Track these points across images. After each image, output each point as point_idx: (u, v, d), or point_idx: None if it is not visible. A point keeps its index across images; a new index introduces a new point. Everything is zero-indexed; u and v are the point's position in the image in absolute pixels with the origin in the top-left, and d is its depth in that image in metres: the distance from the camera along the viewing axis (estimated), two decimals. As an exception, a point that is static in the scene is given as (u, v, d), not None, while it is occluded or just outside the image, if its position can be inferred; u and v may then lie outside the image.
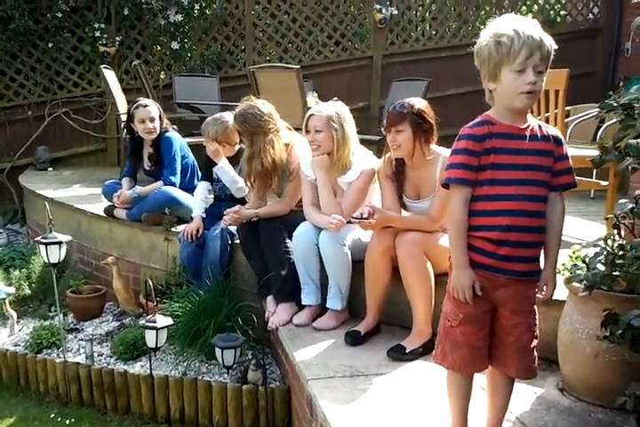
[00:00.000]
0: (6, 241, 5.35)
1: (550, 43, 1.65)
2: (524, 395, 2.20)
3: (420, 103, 2.66)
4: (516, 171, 1.70)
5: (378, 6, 6.85)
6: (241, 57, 6.86)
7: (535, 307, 1.80)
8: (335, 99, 3.19)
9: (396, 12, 6.92)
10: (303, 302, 2.96)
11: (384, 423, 2.06)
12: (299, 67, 4.82)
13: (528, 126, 1.73)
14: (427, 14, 7.33)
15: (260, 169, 3.10)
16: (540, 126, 1.75)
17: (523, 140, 1.71)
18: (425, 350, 2.52)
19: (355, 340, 2.70)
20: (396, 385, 2.33)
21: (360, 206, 2.77)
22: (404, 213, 2.78)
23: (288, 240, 3.04)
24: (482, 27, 6.52)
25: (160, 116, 3.88)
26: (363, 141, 4.10)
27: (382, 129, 2.74)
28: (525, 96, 1.65)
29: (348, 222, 2.73)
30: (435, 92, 6.07)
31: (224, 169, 3.48)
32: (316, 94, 5.10)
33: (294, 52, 6.92)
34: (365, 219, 2.57)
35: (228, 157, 3.55)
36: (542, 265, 1.78)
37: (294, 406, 2.71)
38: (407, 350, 2.55)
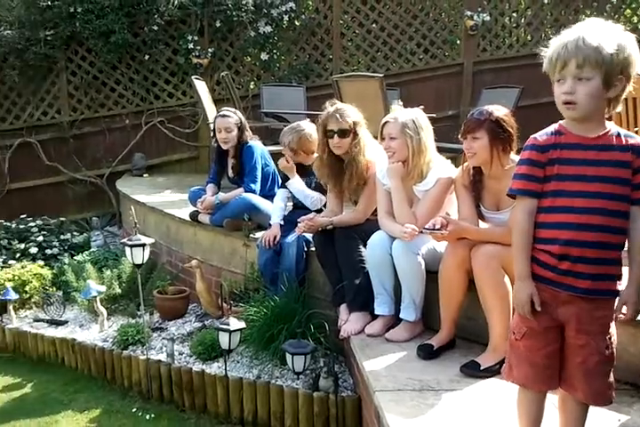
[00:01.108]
0: (102, 242, 5.67)
1: (599, 45, 1.54)
2: (606, 421, 2.08)
3: (499, 111, 2.58)
4: (583, 182, 1.63)
5: (469, 13, 6.75)
6: (328, 66, 6.95)
7: (611, 328, 1.70)
8: (421, 107, 3.16)
9: (488, 18, 6.78)
10: (376, 312, 2.94)
11: (449, 440, 2.02)
12: (382, 75, 4.82)
13: (602, 136, 1.64)
14: (521, 20, 7.13)
15: (359, 168, 3.11)
16: (619, 135, 1.65)
17: (592, 150, 1.63)
18: (501, 368, 2.43)
19: (427, 353, 2.65)
20: (467, 402, 2.26)
21: (435, 216, 2.72)
22: (481, 224, 2.71)
23: (363, 249, 3.03)
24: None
25: (240, 127, 4.00)
26: (450, 150, 4.05)
27: (459, 136, 2.69)
28: (564, 107, 1.61)
29: (421, 233, 2.69)
30: (528, 99, 5.90)
31: (294, 185, 3.58)
32: (401, 102, 5.07)
33: (382, 60, 6.93)
34: (438, 230, 2.52)
35: (304, 166, 3.60)
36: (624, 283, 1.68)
37: (364, 417, 2.69)
38: (482, 367, 2.47)
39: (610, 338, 1.69)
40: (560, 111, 1.66)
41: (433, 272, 2.76)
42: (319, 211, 3.51)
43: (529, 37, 7.06)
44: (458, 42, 6.95)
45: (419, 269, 2.80)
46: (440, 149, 3.05)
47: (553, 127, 1.69)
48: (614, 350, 1.71)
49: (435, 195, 2.87)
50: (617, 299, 1.68)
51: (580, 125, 1.65)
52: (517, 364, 1.76)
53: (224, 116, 4.01)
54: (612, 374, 1.72)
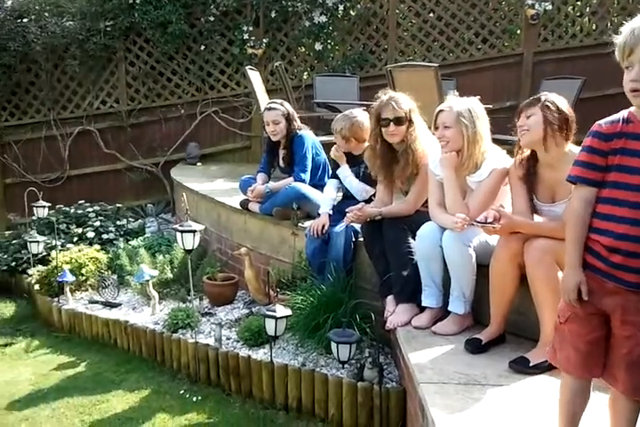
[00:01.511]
0: (157, 228, 5.80)
1: None
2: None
3: (555, 96, 2.51)
4: None
5: (530, 2, 6.54)
6: (382, 56, 6.88)
7: None
8: (478, 97, 3.09)
9: (550, 7, 6.56)
10: (423, 304, 2.91)
11: (494, 436, 1.98)
12: (436, 65, 4.73)
13: None
14: (586, 9, 6.88)
15: (413, 157, 3.07)
16: None
17: None
18: (551, 365, 2.36)
19: (475, 348, 2.60)
20: (514, 398, 2.21)
21: (488, 208, 2.65)
22: (535, 217, 2.63)
23: (411, 241, 3.00)
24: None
25: (287, 118, 4.00)
26: (507, 143, 3.94)
27: (515, 119, 2.62)
28: (632, 95, 1.55)
29: (472, 225, 2.63)
30: (592, 91, 5.70)
31: (342, 173, 3.61)
32: (457, 93, 4.97)
33: (438, 50, 6.81)
34: (490, 223, 2.46)
35: (354, 155, 3.58)
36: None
37: (409, 410, 2.67)
38: (531, 364, 2.41)
39: None
40: (629, 99, 1.59)
41: (484, 266, 2.70)
42: (369, 201, 3.48)
43: (593, 27, 6.79)
44: (518, 31, 6.75)
45: (469, 261, 2.75)
46: (496, 142, 2.98)
47: (622, 114, 1.63)
48: None
49: (489, 186, 2.81)
50: None
51: None
52: (560, 347, 1.75)
53: (270, 109, 4.03)
54: None
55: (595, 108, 2.53)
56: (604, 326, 1.68)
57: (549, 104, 2.46)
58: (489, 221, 2.46)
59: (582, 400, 1.79)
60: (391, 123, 3.09)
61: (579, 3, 6.89)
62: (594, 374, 1.74)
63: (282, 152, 4.17)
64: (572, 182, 1.71)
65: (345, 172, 3.66)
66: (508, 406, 2.15)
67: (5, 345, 4.05)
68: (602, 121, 1.65)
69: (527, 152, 2.60)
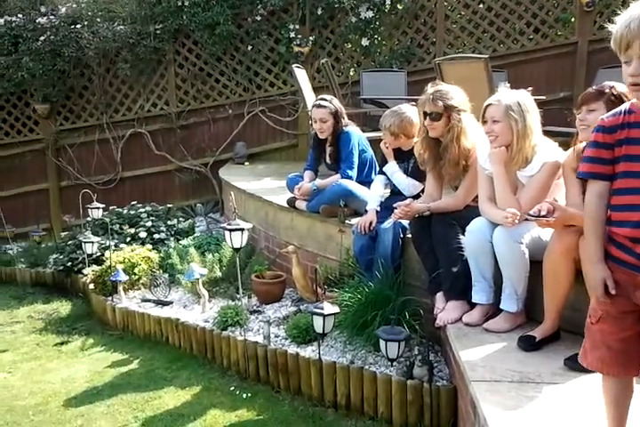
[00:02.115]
0: (206, 228, 5.87)
1: None
2: None
3: (622, 87, 2.39)
4: None
5: (585, -11, 6.31)
6: (431, 50, 6.78)
7: None
8: (530, 89, 2.99)
9: (606, -7, 6.32)
10: (473, 300, 2.84)
11: (550, 436, 1.90)
12: (486, 56, 4.62)
13: None
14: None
15: (467, 146, 3.01)
16: None
17: None
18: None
19: (528, 345, 2.52)
20: (569, 397, 2.12)
21: (540, 202, 2.56)
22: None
23: (461, 236, 2.93)
24: None
25: (336, 116, 3.97)
26: (561, 134, 3.82)
27: (574, 110, 2.52)
28: (632, 89, 1.54)
29: (525, 220, 2.54)
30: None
31: (389, 169, 3.55)
32: (508, 85, 4.85)
33: (488, 41, 6.66)
34: (544, 216, 2.36)
35: (403, 151, 3.53)
36: None
37: (460, 408, 2.61)
38: (588, 361, 2.32)
39: None
40: (630, 93, 1.60)
41: (537, 262, 2.61)
42: (417, 197, 3.42)
43: (652, 12, 6.50)
44: (572, 20, 6.53)
45: (521, 258, 2.67)
46: (549, 133, 2.88)
47: (624, 106, 1.62)
48: None
49: (540, 180, 2.72)
50: None
51: None
52: (592, 348, 1.72)
53: (319, 106, 4.00)
54: None
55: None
56: (638, 323, 1.62)
57: (615, 99, 2.35)
58: (542, 213, 2.37)
59: (625, 398, 1.74)
60: (427, 117, 3.05)
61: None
62: (631, 373, 1.69)
63: (328, 149, 4.15)
64: (582, 179, 1.72)
65: (392, 168, 3.61)
66: (562, 404, 2.07)
67: (62, 343, 4.17)
68: (605, 115, 1.67)
69: (584, 144, 2.50)
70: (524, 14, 6.57)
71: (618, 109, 1.64)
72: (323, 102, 4.02)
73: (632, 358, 1.66)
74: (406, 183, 3.54)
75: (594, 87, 2.46)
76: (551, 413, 2.02)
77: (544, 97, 4.89)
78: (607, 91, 2.38)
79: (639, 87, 1.54)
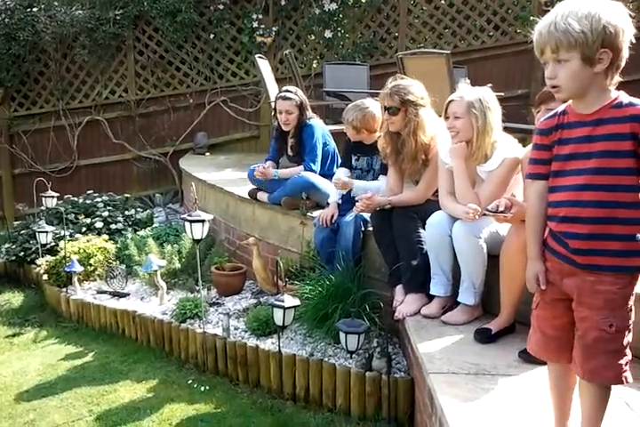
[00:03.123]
0: (165, 218, 5.80)
1: (569, 27, 1.51)
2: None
3: None
4: (579, 160, 1.62)
5: (543, -13, 6.43)
6: (393, 44, 6.81)
7: (624, 307, 1.62)
8: (489, 85, 3.04)
9: (563, -8, 6.44)
10: (432, 292, 2.88)
11: (502, 425, 1.94)
12: (448, 52, 4.67)
13: (598, 110, 1.59)
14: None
15: (424, 140, 3.03)
16: (620, 106, 1.57)
17: (588, 126, 1.61)
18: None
19: (484, 337, 2.57)
20: (523, 388, 2.18)
21: (499, 197, 2.60)
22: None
23: (421, 230, 2.96)
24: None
25: (301, 108, 3.95)
26: (519, 131, 3.88)
27: (532, 109, 2.56)
28: (552, 91, 1.62)
29: (484, 215, 2.59)
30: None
31: (358, 188, 3.46)
32: (468, 81, 4.90)
33: (449, 37, 6.73)
34: (502, 212, 2.41)
35: (366, 146, 3.54)
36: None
37: (417, 399, 2.64)
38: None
39: (619, 317, 1.61)
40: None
41: (494, 256, 2.66)
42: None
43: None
44: (531, 18, 6.64)
45: (479, 252, 2.72)
46: (508, 130, 2.92)
47: (561, 108, 1.69)
48: (625, 330, 1.62)
49: (499, 176, 2.77)
50: (635, 276, 1.62)
51: (578, 103, 1.64)
52: (532, 332, 1.81)
53: (285, 98, 3.97)
54: (621, 356, 1.63)
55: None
56: (570, 311, 1.70)
57: None
58: (500, 209, 2.41)
59: (567, 384, 1.79)
60: (387, 111, 3.08)
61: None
62: (561, 359, 1.75)
63: (291, 141, 4.13)
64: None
65: (359, 187, 3.48)
66: (517, 396, 2.12)
67: (14, 335, 4.06)
68: (544, 117, 1.74)
69: None
70: (484, 11, 6.65)
71: (554, 111, 1.71)
72: (288, 94, 3.99)
73: (563, 345, 1.72)
74: (376, 185, 3.47)
75: None
76: (506, 404, 2.06)
77: (502, 94, 4.97)
78: None
79: (556, 89, 1.60)
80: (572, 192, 1.62)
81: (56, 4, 6.71)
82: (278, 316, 2.92)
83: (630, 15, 1.55)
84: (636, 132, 1.54)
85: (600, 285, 1.62)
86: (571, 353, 1.70)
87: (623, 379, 1.63)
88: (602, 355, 1.62)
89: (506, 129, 2.88)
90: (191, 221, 3.19)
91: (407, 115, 3.04)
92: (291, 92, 4.03)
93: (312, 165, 3.90)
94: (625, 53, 1.57)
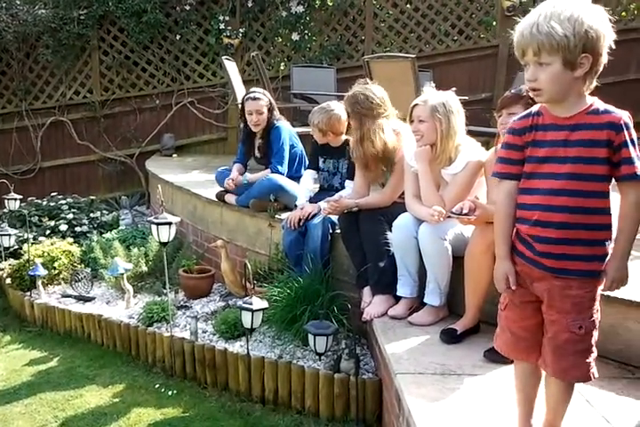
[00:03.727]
0: (131, 221, 5.72)
1: (552, 30, 1.50)
2: (631, 410, 2.03)
3: None
4: (554, 164, 1.62)
5: (506, -7, 6.57)
6: (360, 47, 6.86)
7: (592, 309, 1.66)
8: (454, 89, 3.09)
9: (525, -1, 6.60)
10: (398, 293, 2.92)
11: (469, 425, 1.98)
12: (413, 56, 4.74)
13: (576, 115, 1.60)
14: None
15: (374, 152, 3.07)
16: (597, 112, 1.59)
17: (564, 130, 1.61)
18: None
19: (450, 338, 2.62)
20: (489, 387, 2.22)
21: (463, 199, 2.65)
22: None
23: (388, 232, 3.00)
24: (636, 11, 5.88)
25: (270, 109, 3.97)
26: (482, 134, 3.96)
27: (494, 113, 2.62)
28: (532, 94, 1.62)
29: (448, 217, 2.63)
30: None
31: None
32: (433, 84, 4.97)
33: (415, 41, 6.82)
34: (466, 214, 2.46)
35: (332, 148, 3.58)
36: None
37: (385, 400, 2.67)
38: (505, 353, 2.43)
39: (587, 318, 1.66)
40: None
41: (459, 257, 2.71)
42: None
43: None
44: (494, 23, 6.78)
45: (445, 254, 2.76)
46: (472, 133, 2.98)
47: (534, 108, 1.69)
48: (593, 331, 1.67)
49: (463, 178, 2.82)
50: (600, 279, 1.66)
51: (555, 107, 1.64)
52: (500, 332, 1.83)
53: (255, 98, 3.97)
54: (589, 354, 1.68)
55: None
56: (539, 313, 1.73)
57: (532, 102, 2.44)
58: (464, 211, 2.46)
59: (533, 382, 1.83)
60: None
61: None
62: (530, 359, 1.78)
63: (258, 141, 4.12)
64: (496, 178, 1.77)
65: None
66: (483, 395, 2.16)
67: (-24, 340, 3.97)
68: (516, 117, 1.72)
69: None
70: (449, 16, 6.76)
71: (528, 111, 1.70)
72: (258, 95, 4.00)
73: (533, 345, 1.75)
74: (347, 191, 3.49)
75: (512, 91, 2.55)
76: (472, 404, 2.11)
77: (467, 97, 5.06)
78: (524, 94, 2.49)
79: (536, 92, 1.59)
80: (546, 196, 1.62)
81: (18, 2, 6.58)
82: (247, 318, 2.92)
83: (610, 20, 1.55)
84: (612, 140, 1.56)
85: (569, 289, 1.65)
86: (539, 352, 1.74)
87: (591, 375, 1.69)
88: (572, 355, 1.67)
89: (469, 132, 2.93)
90: (158, 224, 3.17)
91: (356, 124, 3.11)
92: (259, 92, 4.03)
93: (279, 167, 3.92)
94: (604, 59, 1.57)
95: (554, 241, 1.63)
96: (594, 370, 1.69)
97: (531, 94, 1.64)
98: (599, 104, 1.61)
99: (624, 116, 1.59)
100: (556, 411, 1.78)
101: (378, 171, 3.16)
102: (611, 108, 1.61)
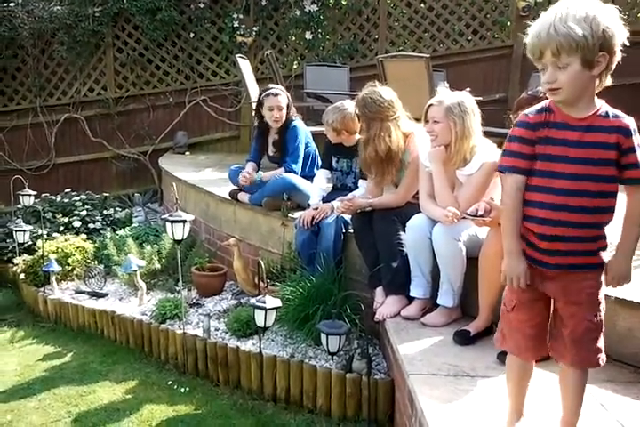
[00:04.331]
0: (144, 218, 5.75)
1: (571, 31, 1.52)
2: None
3: None
4: (565, 164, 1.63)
5: (521, -6, 6.53)
6: (373, 46, 6.85)
7: (600, 296, 1.71)
8: (468, 89, 3.08)
9: (541, -1, 6.56)
10: (411, 294, 2.92)
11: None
12: (428, 56, 4.73)
13: (589, 117, 1.63)
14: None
15: (374, 156, 3.08)
16: (607, 115, 1.63)
17: (578, 131, 1.63)
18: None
19: (463, 339, 2.62)
20: (502, 390, 2.20)
21: (478, 201, 2.65)
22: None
23: (402, 232, 3.00)
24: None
25: (288, 105, 3.98)
26: (496, 135, 3.95)
27: (511, 114, 2.61)
28: (550, 93, 1.61)
29: (463, 218, 2.63)
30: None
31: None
32: (447, 84, 4.96)
33: (428, 41, 6.80)
34: (481, 216, 2.45)
35: (346, 148, 3.58)
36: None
37: (397, 400, 2.68)
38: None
39: (599, 306, 1.72)
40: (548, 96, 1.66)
41: (473, 258, 2.71)
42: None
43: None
44: (508, 23, 6.74)
45: (459, 255, 2.76)
46: (486, 134, 2.97)
47: (544, 103, 1.69)
48: (602, 317, 1.73)
49: (478, 180, 2.81)
50: (603, 268, 1.71)
51: (569, 107, 1.65)
52: (509, 334, 1.83)
53: (277, 94, 3.97)
54: (600, 340, 1.73)
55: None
56: (545, 310, 1.77)
57: None
58: (479, 213, 2.46)
59: (529, 375, 1.89)
60: None
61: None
62: (541, 355, 1.83)
63: (273, 137, 4.11)
64: (502, 172, 1.76)
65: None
66: (495, 397, 2.15)
67: (-10, 335, 4.01)
68: (527, 111, 1.71)
69: None
70: (463, 16, 6.73)
71: (540, 107, 1.69)
72: (279, 91, 4.00)
73: (541, 342, 1.80)
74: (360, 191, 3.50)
75: (528, 92, 2.55)
76: (485, 405, 2.10)
77: (480, 98, 5.04)
78: (541, 96, 2.48)
79: (555, 91, 1.60)
80: (557, 195, 1.64)
81: (33, -1, 6.63)
82: (260, 317, 2.93)
83: (622, 18, 1.57)
84: (621, 143, 1.60)
85: (583, 281, 1.69)
86: (546, 347, 1.79)
87: (602, 362, 1.73)
88: (590, 344, 1.72)
89: (484, 133, 2.93)
90: (172, 222, 3.19)
91: (364, 127, 3.13)
92: (279, 88, 4.05)
93: (293, 165, 3.92)
94: (618, 57, 1.59)
95: (565, 239, 1.66)
96: (604, 356, 1.74)
97: (547, 94, 1.64)
98: (607, 107, 1.65)
99: (632, 121, 1.64)
100: (572, 407, 1.80)
101: (381, 174, 3.17)
102: (619, 112, 1.65)
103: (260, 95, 4.05)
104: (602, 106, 1.64)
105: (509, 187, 1.72)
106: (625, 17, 1.59)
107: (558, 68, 1.57)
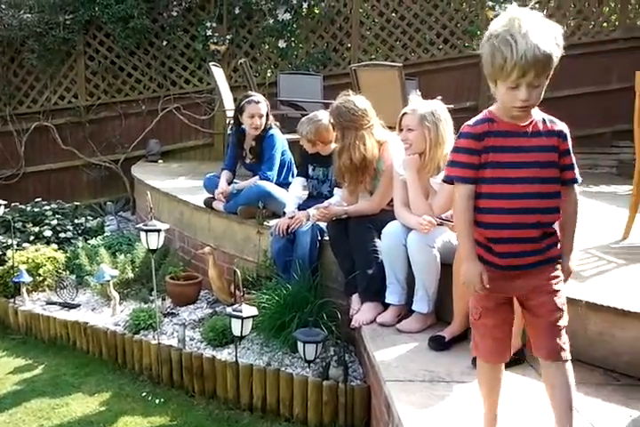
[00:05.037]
0: (116, 227, 5.69)
1: (551, 52, 1.58)
2: (617, 417, 2.07)
3: None
4: (517, 169, 1.70)
5: (490, 3, 6.65)
6: (346, 55, 6.90)
7: (563, 287, 1.78)
8: (439, 97, 3.13)
9: (509, 8, 6.67)
10: (387, 301, 2.94)
11: (459, 432, 2.01)
12: (400, 65, 4.77)
13: (530, 123, 1.71)
14: (544, 11, 7.01)
15: (349, 164, 3.11)
16: (545, 121, 1.73)
17: (524, 137, 1.70)
18: (513, 362, 2.40)
19: (438, 345, 2.64)
20: (477, 395, 2.23)
21: (451, 208, 2.69)
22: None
23: (377, 240, 3.02)
24: (605, 24, 6.11)
25: (267, 113, 3.99)
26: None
27: None
28: (518, 110, 1.66)
29: (439, 225, 2.66)
30: (548, 93, 5.82)
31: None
32: (419, 93, 5.02)
33: (400, 50, 6.87)
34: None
35: (322, 156, 3.59)
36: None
37: (374, 407, 2.68)
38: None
39: (562, 295, 1.78)
40: (507, 110, 1.69)
41: (447, 264, 2.73)
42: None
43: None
44: (478, 33, 6.85)
45: (434, 262, 2.78)
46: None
47: (484, 114, 1.75)
48: (566, 309, 1.78)
49: (452, 187, 2.83)
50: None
51: (511, 115, 1.71)
52: (480, 340, 1.87)
53: (258, 102, 3.97)
54: (563, 331, 1.77)
55: (550, 109, 2.58)
56: (512, 312, 1.83)
57: None
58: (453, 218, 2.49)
59: (499, 381, 1.91)
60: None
61: (537, 5, 7.02)
62: (505, 359, 1.88)
63: (249, 144, 4.10)
64: (449, 183, 1.80)
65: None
66: (472, 402, 2.17)
67: (-42, 348, 3.91)
68: (470, 122, 1.75)
69: None
70: (434, 25, 6.82)
71: (481, 117, 1.74)
72: (259, 98, 4.01)
73: (508, 344, 1.86)
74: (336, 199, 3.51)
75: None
76: (461, 410, 2.13)
77: (452, 106, 5.11)
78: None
79: (525, 108, 1.66)
80: (519, 200, 1.70)
81: (3, 6, 6.54)
82: (236, 326, 2.92)
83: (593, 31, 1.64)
84: (558, 146, 1.72)
85: (545, 273, 1.76)
86: (509, 351, 1.87)
87: (569, 356, 1.77)
88: (560, 332, 1.75)
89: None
90: (147, 231, 3.16)
91: (339, 136, 3.17)
92: (258, 96, 4.05)
93: (269, 173, 3.91)
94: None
95: (522, 240, 1.72)
96: (569, 352, 1.78)
97: (517, 111, 1.67)
98: (542, 113, 1.74)
99: (565, 126, 1.75)
100: (564, 395, 1.78)
101: (354, 183, 3.20)
102: (552, 117, 1.76)
103: (241, 102, 4.04)
104: (537, 112, 1.73)
105: (460, 196, 1.76)
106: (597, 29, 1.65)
107: (534, 87, 1.62)
